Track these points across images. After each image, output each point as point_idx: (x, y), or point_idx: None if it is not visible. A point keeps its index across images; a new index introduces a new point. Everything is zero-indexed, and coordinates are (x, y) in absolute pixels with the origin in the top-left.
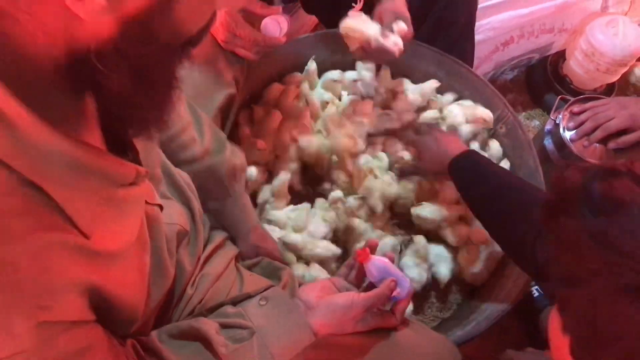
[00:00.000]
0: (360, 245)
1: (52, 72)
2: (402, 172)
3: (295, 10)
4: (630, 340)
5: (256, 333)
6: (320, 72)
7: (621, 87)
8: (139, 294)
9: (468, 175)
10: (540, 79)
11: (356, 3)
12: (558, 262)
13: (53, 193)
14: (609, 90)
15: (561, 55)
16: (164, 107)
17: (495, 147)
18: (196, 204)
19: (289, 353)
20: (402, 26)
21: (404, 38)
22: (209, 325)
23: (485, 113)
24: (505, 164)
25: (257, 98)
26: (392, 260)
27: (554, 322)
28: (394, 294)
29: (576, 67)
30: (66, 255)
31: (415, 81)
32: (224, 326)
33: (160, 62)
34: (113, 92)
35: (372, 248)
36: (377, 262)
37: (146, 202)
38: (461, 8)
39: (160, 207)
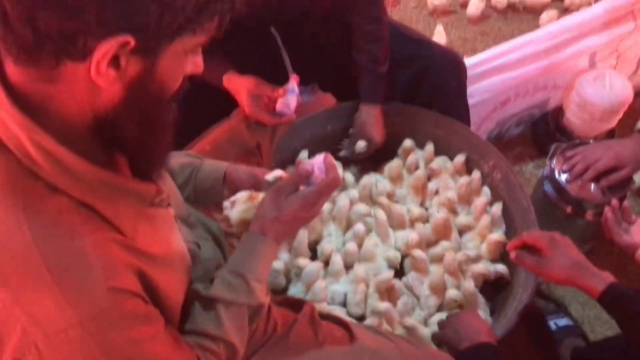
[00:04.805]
0: None
1: (85, 128)
2: None
3: (315, 91)
4: None
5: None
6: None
7: (622, 134)
8: (179, 302)
9: None
10: (544, 132)
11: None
12: None
13: (102, 210)
14: (610, 136)
15: (560, 109)
16: (164, 145)
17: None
18: (225, 244)
19: (257, 267)
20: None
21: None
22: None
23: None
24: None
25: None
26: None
27: None
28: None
29: (573, 118)
30: (119, 247)
31: (418, 140)
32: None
33: (156, 113)
34: (128, 138)
35: None
36: None
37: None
38: (451, 74)
39: (198, 245)
